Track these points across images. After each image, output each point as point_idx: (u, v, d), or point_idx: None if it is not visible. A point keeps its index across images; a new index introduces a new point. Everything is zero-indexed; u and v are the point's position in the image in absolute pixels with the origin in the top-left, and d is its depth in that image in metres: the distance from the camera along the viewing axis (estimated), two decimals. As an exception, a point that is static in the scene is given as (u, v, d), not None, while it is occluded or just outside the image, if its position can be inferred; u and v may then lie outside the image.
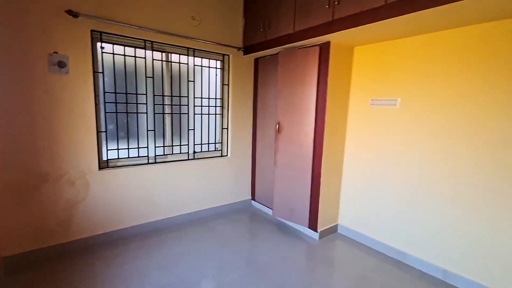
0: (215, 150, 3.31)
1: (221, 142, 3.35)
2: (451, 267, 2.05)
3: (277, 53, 2.92)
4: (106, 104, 2.46)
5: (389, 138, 2.39)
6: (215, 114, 3.24)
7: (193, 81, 2.98)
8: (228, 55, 3.16)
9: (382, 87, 2.41)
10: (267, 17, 2.74)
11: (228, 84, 3.23)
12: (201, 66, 3.04)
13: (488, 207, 1.85)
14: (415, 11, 1.62)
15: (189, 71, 2.94)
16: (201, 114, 3.11)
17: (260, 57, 3.26)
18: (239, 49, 3.14)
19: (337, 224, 2.92)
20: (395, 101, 2.32)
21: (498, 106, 1.77)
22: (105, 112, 2.46)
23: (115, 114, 2.52)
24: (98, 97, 2.39)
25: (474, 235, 1.93)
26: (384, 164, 2.45)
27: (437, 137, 2.08)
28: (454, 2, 1.46)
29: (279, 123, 2.87)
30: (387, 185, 2.43)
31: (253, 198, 3.63)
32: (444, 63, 2.00)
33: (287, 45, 2.61)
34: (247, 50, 3.12)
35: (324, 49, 2.43)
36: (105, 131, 2.48)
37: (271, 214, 3.31)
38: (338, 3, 2.03)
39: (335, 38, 2.30)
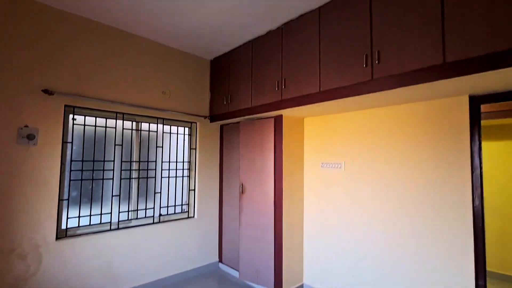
0: (181, 212, 3.34)
1: (188, 204, 3.42)
2: (406, 322, 2.15)
3: (239, 122, 3.29)
4: (72, 171, 2.52)
5: (340, 197, 2.66)
6: (182, 176, 3.39)
7: (162, 147, 3.18)
8: (196, 123, 3.47)
9: (330, 152, 2.78)
10: (229, 93, 3.17)
11: (195, 148, 3.47)
12: (170, 132, 3.29)
13: (420, 255, 2.07)
14: (339, 98, 2.05)
15: (158, 137, 3.16)
16: (169, 177, 3.23)
17: (225, 124, 3.61)
18: (205, 117, 3.48)
19: (302, 284, 2.94)
20: (340, 164, 2.67)
21: (421, 170, 2.15)
22: (70, 180, 2.51)
23: (80, 181, 2.57)
24: (64, 165, 2.47)
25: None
26: (337, 222, 2.66)
27: (376, 196, 2.38)
28: (364, 94, 1.90)
29: (242, 184, 3.07)
30: (342, 241, 2.61)
31: (220, 260, 3.56)
32: (378, 133, 2.43)
33: (246, 116, 2.98)
34: (213, 118, 3.46)
35: (278, 120, 2.83)
36: (68, 199, 2.49)
37: (238, 277, 3.25)
38: (284, 87, 2.48)
39: (286, 112, 2.71)
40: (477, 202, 1.89)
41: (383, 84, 1.81)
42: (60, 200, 2.43)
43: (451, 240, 1.96)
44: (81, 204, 2.59)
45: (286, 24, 2.53)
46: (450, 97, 1.99)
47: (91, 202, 2.64)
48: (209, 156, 3.57)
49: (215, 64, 3.48)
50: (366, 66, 1.88)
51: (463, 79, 1.55)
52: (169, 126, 3.28)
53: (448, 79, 1.54)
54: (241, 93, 3.01)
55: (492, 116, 2.83)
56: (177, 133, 3.36)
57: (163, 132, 3.21)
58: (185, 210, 3.39)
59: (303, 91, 2.32)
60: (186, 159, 3.44)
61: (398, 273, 2.21)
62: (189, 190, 3.43)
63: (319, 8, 2.24)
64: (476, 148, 1.90)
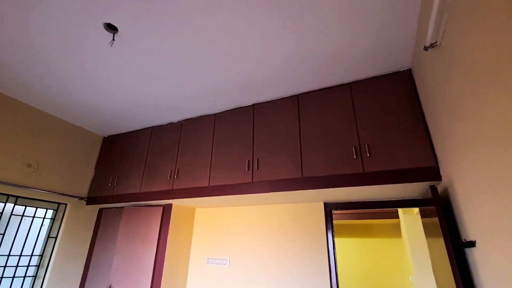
0: (5, 334, 2.34)
1: (21, 319, 2.46)
2: None
3: (123, 207, 2.95)
4: None
5: (222, 298, 2.50)
6: (24, 276, 2.53)
7: (3, 234, 2.41)
8: (66, 204, 2.90)
9: (217, 246, 2.73)
10: (118, 174, 2.93)
11: (56, 237, 2.78)
12: (22, 215, 2.59)
13: None
14: (226, 195, 2.21)
15: (1, 221, 2.42)
16: (2, 277, 2.35)
17: (106, 208, 3.16)
18: (82, 198, 2.98)
19: None
20: (225, 260, 2.63)
21: (293, 262, 2.34)
22: None
23: None
24: None
25: None
26: (218, 329, 2.41)
27: (257, 296, 2.37)
28: (246, 193, 2.13)
29: (110, 286, 2.52)
30: None
31: None
32: (258, 228, 2.60)
33: (133, 202, 2.74)
34: (92, 200, 3.00)
35: (167, 209, 2.70)
36: None
37: None
38: (177, 177, 2.51)
39: (176, 201, 2.65)
40: (335, 299, 2.13)
41: (260, 187, 2.09)
42: None
43: None
44: None
45: (186, 120, 2.77)
46: (311, 203, 2.44)
47: None
48: (74, 248, 2.89)
49: (109, 142, 3.27)
50: (248, 169, 2.18)
51: (315, 191, 1.98)
52: (23, 207, 2.60)
53: (305, 190, 1.94)
54: (131, 176, 2.82)
55: (343, 218, 3.56)
56: (34, 216, 2.67)
57: (11, 215, 2.50)
58: (13, 330, 2.40)
59: (194, 184, 2.39)
60: (37, 252, 2.66)
61: None
62: (29, 297, 2.53)
63: (215, 114, 2.61)
64: (331, 244, 2.28)
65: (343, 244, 4.00)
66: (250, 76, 2.09)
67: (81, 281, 2.90)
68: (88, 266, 2.93)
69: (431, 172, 1.61)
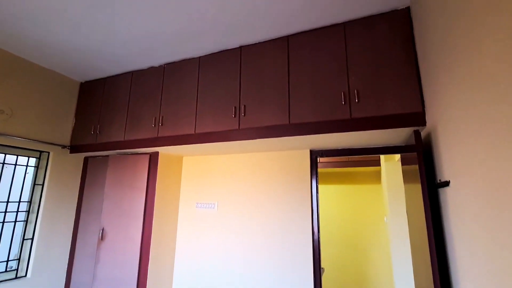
0: (5, 272, 2.48)
1: (19, 259, 2.58)
2: None
3: (108, 156, 2.91)
4: None
5: (212, 236, 2.67)
6: (15, 221, 2.58)
7: (-15, 181, 2.38)
8: (48, 153, 2.83)
9: (205, 192, 2.82)
10: (100, 122, 2.82)
11: (42, 184, 2.77)
12: (3, 163, 2.53)
13: (278, 279, 2.30)
14: (212, 142, 2.19)
15: (-19, 170, 2.36)
16: (-10, 223, 2.39)
17: (91, 157, 3.12)
18: (64, 147, 2.91)
19: None
20: (214, 204, 2.74)
21: (278, 207, 2.47)
22: None
23: None
24: None
25: (274, 322, 2.26)
26: (210, 261, 2.63)
27: (243, 232, 2.54)
28: (232, 140, 2.11)
29: (103, 229, 2.62)
30: (213, 282, 2.57)
31: (61, 332, 2.76)
32: (245, 175, 2.67)
33: (118, 150, 2.70)
34: (75, 149, 2.93)
35: (154, 157, 2.69)
36: None
37: None
38: (161, 125, 2.44)
39: (162, 149, 2.63)
40: (316, 236, 2.31)
41: (247, 134, 2.07)
42: None
43: (298, 269, 2.28)
44: None
45: (168, 64, 2.59)
46: (297, 150, 2.48)
47: None
48: (63, 194, 2.92)
49: (87, 88, 3.07)
50: (234, 116, 2.12)
51: (302, 138, 1.98)
52: (3, 155, 2.52)
53: (292, 137, 1.94)
54: (114, 124, 2.73)
55: (327, 166, 3.69)
56: (16, 164, 2.62)
57: (-9, 162, 2.43)
58: (13, 268, 2.54)
59: (179, 131, 2.34)
60: (25, 199, 2.68)
61: (258, 310, 2.34)
62: (23, 239, 2.62)
63: (199, 58, 2.43)
64: (314, 191, 2.39)
65: (325, 190, 4.23)
66: (234, 13, 1.90)
67: (74, 225, 3.00)
68: (80, 212, 3.01)
69: (417, 118, 1.61)
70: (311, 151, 2.45)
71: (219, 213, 2.71)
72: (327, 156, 2.48)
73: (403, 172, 2.17)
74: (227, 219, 2.65)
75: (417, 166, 1.52)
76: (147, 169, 2.67)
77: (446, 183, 1.28)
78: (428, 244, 1.38)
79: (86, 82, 3.10)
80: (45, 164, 2.82)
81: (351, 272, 3.96)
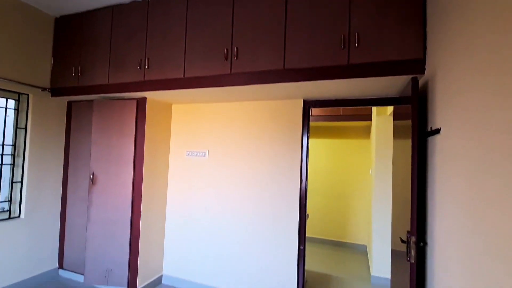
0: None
1: (10, 200, 2.61)
2: (249, 290, 2.49)
3: (93, 100, 2.78)
4: None
5: (202, 184, 2.74)
6: (1, 164, 2.54)
7: (-38, 122, 2.26)
8: (27, 95, 2.67)
9: (196, 141, 2.80)
10: (80, 63, 2.62)
11: (25, 128, 2.67)
12: (-21, 104, 2.38)
13: (265, 227, 2.46)
14: (202, 87, 2.09)
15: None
16: (-26, 165, 2.34)
17: (75, 101, 2.98)
18: (44, 89, 2.74)
19: (161, 275, 2.86)
20: (205, 152, 2.75)
21: (269, 157, 2.50)
22: None
23: None
24: None
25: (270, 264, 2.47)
26: (199, 208, 2.74)
27: (234, 181, 2.61)
28: (224, 86, 2.02)
29: (93, 174, 2.63)
30: (204, 227, 2.72)
31: (60, 267, 2.95)
32: (236, 125, 2.64)
33: (103, 94, 2.56)
34: (56, 92, 2.77)
35: (141, 103, 2.59)
36: None
37: (82, 282, 2.79)
38: (148, 67, 2.29)
39: (150, 95, 2.51)
40: (303, 185, 2.40)
41: (239, 79, 1.97)
42: None
43: (284, 215, 2.41)
44: None
45: (153, -2, 2.32)
46: (290, 100, 2.42)
47: None
48: (48, 139, 2.84)
49: (63, 24, 2.77)
50: (226, 60, 1.99)
51: (296, 85, 1.91)
52: (-22, 95, 2.36)
53: (286, 83, 1.86)
54: (97, 66, 2.54)
55: (319, 119, 3.68)
56: (-6, 106, 2.47)
57: (-35, 102, 2.28)
58: (5, 209, 2.58)
59: (167, 75, 2.21)
60: (8, 142, 2.60)
61: (249, 243, 2.52)
62: (12, 182, 2.62)
63: (188, -9, 2.19)
64: (305, 141, 2.41)
65: (315, 144, 4.30)
66: None
67: (63, 169, 2.99)
68: (68, 156, 2.98)
69: (417, 65, 1.55)
70: (304, 101, 2.40)
71: (210, 162, 2.73)
72: (320, 106, 2.45)
73: (394, 127, 2.18)
74: (218, 167, 2.69)
75: (408, 121, 1.51)
76: (135, 115, 2.58)
77: (437, 131, 1.29)
78: (410, 188, 1.44)
79: (62, 17, 2.78)
80: (26, 108, 2.68)
81: (333, 219, 4.27)
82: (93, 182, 2.63)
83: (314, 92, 2.14)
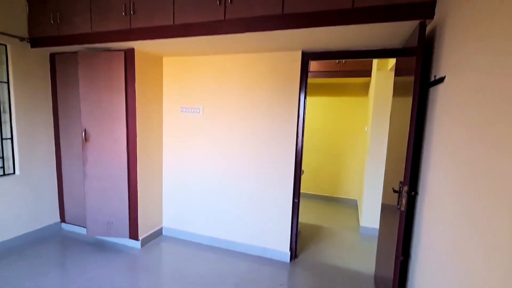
0: (-8, 168, 2.50)
1: (3, 157, 2.57)
2: (251, 241, 2.64)
3: (77, 52, 2.59)
4: None
5: (197, 139, 2.72)
6: (-13, 120, 2.45)
7: None
8: (5, 45, 2.47)
9: (189, 96, 2.71)
10: (58, 7, 2.37)
11: (7, 83, 2.52)
12: (-48, 54, 2.19)
13: (261, 182, 2.53)
14: (194, 35, 1.94)
15: None
16: (-42, 120, 2.25)
17: (58, 53, 2.78)
18: (23, 39, 2.52)
19: (161, 227, 2.99)
20: (199, 109, 2.67)
21: (265, 113, 2.46)
22: None
23: None
24: None
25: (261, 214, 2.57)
26: (193, 164, 2.76)
27: (230, 137, 2.59)
28: (217, 34, 1.88)
29: (85, 131, 2.57)
30: (196, 181, 2.77)
31: (63, 220, 3.05)
32: (232, 79, 2.53)
33: (87, 45, 2.38)
34: (36, 42, 2.56)
35: (129, 55, 2.42)
36: None
37: (85, 234, 2.91)
38: (133, 13, 2.09)
39: (138, 46, 2.35)
40: (299, 140, 2.40)
41: (234, 26, 1.82)
42: None
43: (280, 170, 2.45)
44: None
45: None
46: (288, 51, 2.28)
47: None
48: (34, 94, 2.71)
49: (33, -37, 2.45)
50: (219, 4, 1.82)
51: (295, 33, 1.78)
52: (-51, 44, 2.16)
53: (285, 30, 1.73)
54: (78, 11, 2.31)
55: (316, 76, 3.56)
56: (-31, 57, 2.29)
57: None
58: (-1, 166, 2.56)
59: (155, 22, 2.03)
60: (-9, 97, 2.47)
61: (245, 196, 2.61)
62: (1, 139, 2.55)
63: None
64: (302, 97, 2.34)
65: (312, 101, 4.23)
66: None
67: (54, 125, 2.91)
68: (57, 112, 2.88)
69: (426, 8, 1.43)
70: (303, 53, 2.27)
71: (204, 118, 2.68)
72: (319, 59, 2.33)
73: (394, 83, 2.10)
74: (213, 123, 2.64)
75: (408, 77, 1.44)
76: (124, 68, 2.44)
77: (441, 79, 1.23)
78: (407, 141, 1.43)
79: (31, -47, 2.45)
80: (5, 60, 2.50)
81: (327, 175, 4.39)
82: (86, 138, 2.58)
83: (314, 42, 2.01)
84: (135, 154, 2.54)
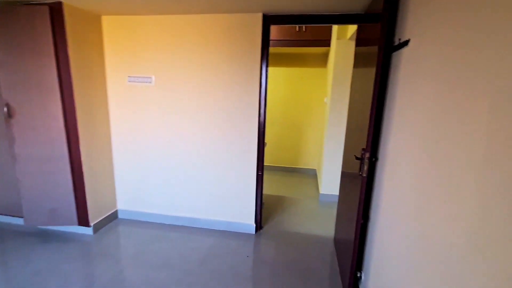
0: None
1: None
2: (203, 215, 2.57)
3: (-14, 5, 2.05)
4: None
5: (149, 113, 2.47)
6: None
7: None
8: None
9: (138, 64, 2.39)
10: None
11: None
12: None
13: (224, 156, 2.43)
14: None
15: None
16: None
17: (-44, 5, 2.17)
18: None
19: (116, 210, 2.75)
20: (150, 78, 2.39)
21: (225, 82, 2.28)
22: None
23: None
24: None
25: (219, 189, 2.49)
26: (148, 139, 2.53)
27: (187, 110, 2.39)
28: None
29: (8, 105, 2.13)
30: (152, 157, 2.56)
31: (-8, 211, 2.61)
32: (186, 45, 2.27)
33: (-4, -5, 1.89)
34: None
35: (57, 12, 1.99)
36: None
37: (23, 224, 2.55)
38: (56, -45, 1.67)
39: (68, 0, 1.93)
40: (262, 112, 2.31)
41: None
42: None
43: (243, 143, 2.37)
44: None
45: None
46: (248, 13, 2.10)
47: None
48: None
49: None
50: None
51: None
52: None
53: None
54: (-25, -51, 1.78)
55: (276, 44, 3.44)
56: None
57: None
58: None
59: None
60: None
61: (207, 170, 2.50)
62: None
63: None
64: (264, 65, 2.22)
65: (271, 72, 4.13)
66: None
67: (-36, 101, 2.37)
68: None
69: (392, -32, 1.37)
70: (264, 16, 2.10)
71: (157, 88, 2.41)
72: (280, 23, 2.20)
73: (355, 54, 2.08)
74: (167, 93, 2.40)
75: (369, 48, 1.40)
76: (51, 27, 2.01)
77: (405, 43, 1.21)
78: (369, 109, 1.44)
79: None
80: None
81: (287, 147, 4.46)
82: (9, 114, 2.15)
83: (273, 5, 1.86)
84: (76, 130, 2.21)
